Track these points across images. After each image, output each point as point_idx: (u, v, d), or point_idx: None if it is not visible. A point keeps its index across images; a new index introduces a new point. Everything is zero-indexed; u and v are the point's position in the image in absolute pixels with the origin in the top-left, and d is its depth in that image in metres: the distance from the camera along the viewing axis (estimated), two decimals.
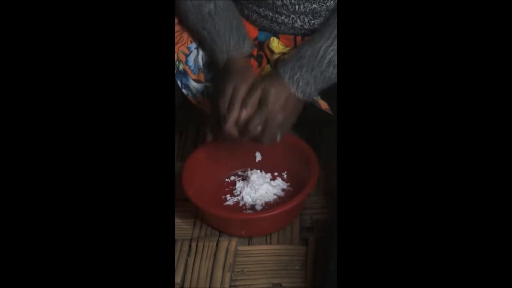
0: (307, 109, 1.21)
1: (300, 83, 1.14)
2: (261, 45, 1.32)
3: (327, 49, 1.13)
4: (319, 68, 1.13)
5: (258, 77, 1.17)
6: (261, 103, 1.14)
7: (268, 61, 1.33)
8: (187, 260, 1.22)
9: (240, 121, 1.14)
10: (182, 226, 1.29)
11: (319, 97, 1.24)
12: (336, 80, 1.13)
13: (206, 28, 1.22)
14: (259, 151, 1.37)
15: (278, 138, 1.17)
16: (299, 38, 1.29)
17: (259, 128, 1.14)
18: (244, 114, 1.14)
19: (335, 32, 1.13)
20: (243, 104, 1.14)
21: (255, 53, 1.31)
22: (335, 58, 1.12)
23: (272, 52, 1.31)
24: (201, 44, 1.27)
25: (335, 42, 1.12)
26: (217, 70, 1.26)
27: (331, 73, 1.14)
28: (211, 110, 1.23)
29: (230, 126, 1.14)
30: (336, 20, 1.14)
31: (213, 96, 1.25)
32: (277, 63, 1.31)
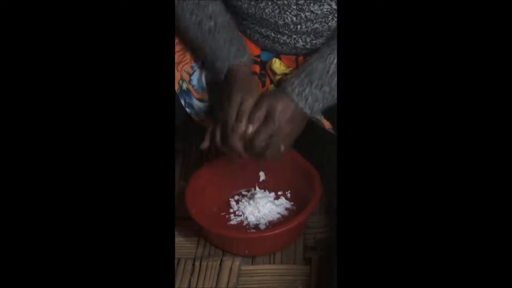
0: (311, 129, 1.21)
1: (309, 99, 1.13)
2: (264, 65, 1.33)
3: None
4: (329, 85, 1.12)
5: (264, 92, 1.17)
6: (267, 118, 1.13)
7: (271, 81, 1.34)
8: (190, 279, 1.22)
9: (246, 135, 1.14)
10: (185, 245, 1.29)
11: (322, 116, 1.24)
12: None
13: (207, 44, 1.23)
14: (262, 171, 1.37)
15: (282, 148, 1.15)
16: (301, 58, 1.30)
17: (263, 143, 1.14)
18: (251, 129, 1.13)
19: None
20: (250, 119, 1.14)
21: (258, 71, 1.32)
22: None
23: (274, 73, 1.31)
24: (202, 59, 1.28)
25: None
26: (219, 82, 1.25)
27: None
28: (216, 122, 1.20)
29: (236, 139, 1.14)
30: None
31: (218, 108, 1.23)
32: (281, 83, 1.31)
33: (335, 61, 1.12)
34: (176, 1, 1.22)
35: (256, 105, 1.14)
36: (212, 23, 1.22)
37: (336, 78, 1.11)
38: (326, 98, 1.13)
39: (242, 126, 1.13)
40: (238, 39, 1.24)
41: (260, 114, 1.13)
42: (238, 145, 1.14)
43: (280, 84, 1.31)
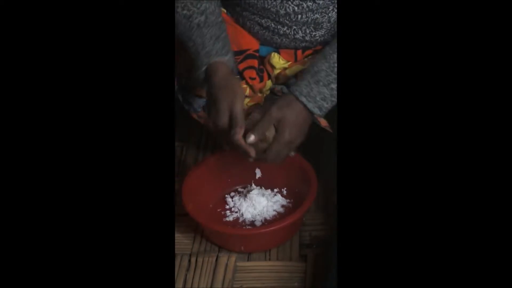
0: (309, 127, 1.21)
1: (318, 98, 1.13)
2: (262, 60, 1.33)
3: None
4: (335, 83, 1.13)
5: (270, 101, 1.17)
6: (279, 130, 1.14)
7: (269, 76, 1.34)
8: (186, 275, 1.23)
9: (256, 145, 1.13)
10: (182, 241, 1.30)
11: None
12: None
13: (192, 39, 1.20)
14: (259, 168, 1.37)
15: (292, 154, 1.19)
16: (299, 52, 1.30)
17: (276, 154, 1.16)
18: (252, 138, 1.12)
19: None
20: (257, 131, 1.13)
21: (256, 65, 1.32)
22: None
23: (273, 67, 1.31)
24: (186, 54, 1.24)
25: None
26: (198, 77, 1.23)
27: None
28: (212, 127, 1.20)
29: (238, 140, 1.13)
30: None
31: (209, 110, 1.22)
32: (279, 79, 1.31)
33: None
34: None
35: (265, 116, 1.13)
36: (202, 18, 1.20)
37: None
38: (333, 95, 1.14)
39: (240, 130, 1.12)
40: (225, 38, 1.22)
41: (267, 125, 1.13)
42: (243, 142, 1.13)
43: (279, 79, 1.31)
